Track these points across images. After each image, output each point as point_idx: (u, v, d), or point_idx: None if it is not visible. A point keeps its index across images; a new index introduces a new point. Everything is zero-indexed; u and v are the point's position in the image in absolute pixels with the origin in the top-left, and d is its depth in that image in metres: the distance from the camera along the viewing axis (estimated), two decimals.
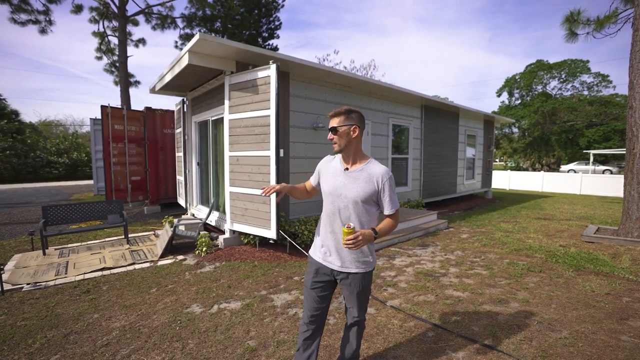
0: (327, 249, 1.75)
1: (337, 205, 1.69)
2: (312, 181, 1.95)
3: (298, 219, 5.16)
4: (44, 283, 3.57)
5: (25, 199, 10.97)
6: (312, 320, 1.78)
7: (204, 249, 4.62)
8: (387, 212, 1.71)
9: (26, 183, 17.58)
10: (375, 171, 1.68)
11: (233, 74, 4.75)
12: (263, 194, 1.74)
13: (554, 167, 28.52)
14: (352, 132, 1.69)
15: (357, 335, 1.88)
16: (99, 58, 14.42)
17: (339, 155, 1.80)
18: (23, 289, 3.41)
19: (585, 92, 28.51)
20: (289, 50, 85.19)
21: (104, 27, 13.67)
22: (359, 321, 1.83)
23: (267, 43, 17.76)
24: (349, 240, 1.49)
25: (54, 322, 2.75)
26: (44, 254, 4.57)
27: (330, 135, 1.73)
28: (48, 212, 4.80)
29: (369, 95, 7.03)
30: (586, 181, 13.62)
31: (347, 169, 1.72)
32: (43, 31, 12.77)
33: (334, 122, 1.71)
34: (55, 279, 3.68)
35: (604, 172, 22.79)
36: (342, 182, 1.70)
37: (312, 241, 4.85)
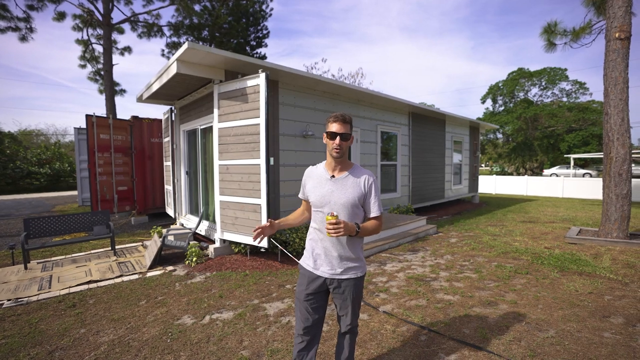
0: (317, 258, 1.74)
1: (327, 213, 1.67)
2: (301, 197, 1.90)
3: (289, 227, 5.15)
4: (26, 298, 3.44)
5: (4, 212, 10.56)
6: (305, 331, 1.75)
7: (194, 259, 4.55)
8: (373, 214, 1.72)
9: (5, 195, 16.94)
10: (360, 175, 1.71)
11: (222, 83, 4.77)
12: (254, 241, 1.75)
13: (537, 171, 29.36)
14: (351, 141, 1.73)
15: (350, 342, 1.86)
16: (83, 66, 14.18)
17: (322, 164, 1.80)
18: (3, 306, 3.28)
19: (565, 99, 29.67)
20: (276, 58, 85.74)
21: (88, 34, 13.48)
22: (352, 328, 1.82)
23: (255, 51, 17.84)
24: (330, 224, 1.50)
25: (37, 339, 2.65)
26: (26, 268, 4.41)
27: (337, 141, 1.64)
28: (30, 224, 4.65)
29: (358, 103, 7.14)
30: (568, 185, 14.08)
31: (333, 176, 1.72)
32: (23, 38, 12.50)
33: (344, 129, 1.65)
34: (38, 294, 3.55)
35: (584, 175, 23.62)
36: (330, 190, 1.69)
37: (304, 249, 4.85)
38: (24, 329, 2.82)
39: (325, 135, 1.71)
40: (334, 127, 1.66)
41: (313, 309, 1.74)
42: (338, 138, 1.64)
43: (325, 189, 1.71)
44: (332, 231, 1.51)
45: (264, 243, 4.34)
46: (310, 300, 1.74)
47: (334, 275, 1.71)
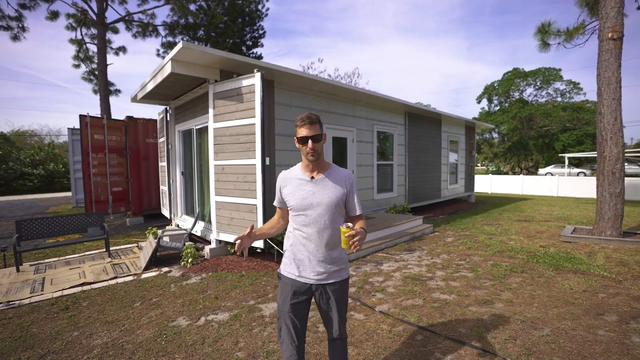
0: (300, 264, 1.66)
1: (310, 216, 1.62)
2: (276, 204, 1.78)
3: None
4: (18, 301, 3.40)
5: None
6: (293, 343, 1.65)
7: (190, 260, 4.52)
8: (357, 212, 1.69)
9: None
10: (341, 175, 1.68)
11: (217, 83, 4.74)
12: (237, 252, 1.64)
13: (532, 171, 29.59)
14: (324, 140, 1.66)
15: (342, 346, 1.79)
16: (77, 66, 14.05)
17: (297, 166, 1.72)
18: None
19: (559, 99, 29.96)
20: (272, 58, 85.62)
21: (82, 34, 13.38)
22: (341, 334, 1.75)
23: (251, 51, 17.78)
24: (355, 239, 1.41)
25: (29, 342, 2.61)
26: (18, 270, 4.35)
27: (310, 145, 1.57)
28: (22, 226, 4.60)
29: (354, 103, 7.14)
30: (562, 184, 14.20)
31: (312, 177, 1.66)
32: (15, 38, 12.36)
33: (314, 130, 1.58)
34: (30, 297, 3.50)
35: (578, 174, 23.82)
36: (311, 191, 1.63)
37: None
38: (15, 332, 2.77)
39: (296, 140, 1.64)
40: (303, 131, 1.58)
41: (299, 319, 1.66)
42: (310, 141, 1.57)
43: (306, 190, 1.64)
44: (358, 243, 1.42)
45: (260, 243, 4.32)
46: (296, 311, 1.64)
47: (320, 280, 1.64)
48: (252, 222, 4.38)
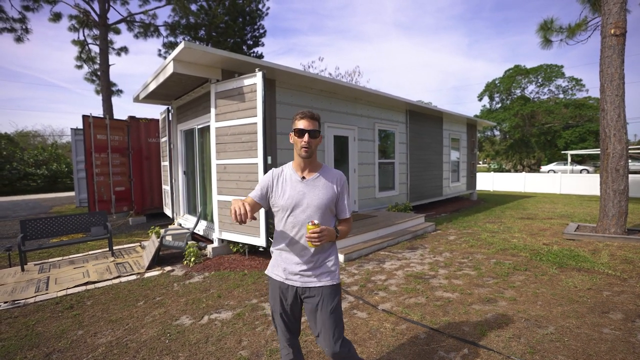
0: (287, 266, 1.62)
1: (300, 217, 1.57)
2: (253, 196, 1.63)
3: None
4: (23, 301, 3.42)
5: (1, 213, 10.50)
6: (290, 343, 1.69)
7: (192, 259, 4.53)
8: (345, 215, 1.66)
9: (2, 196, 16.84)
10: (332, 176, 1.64)
11: (219, 82, 4.74)
12: (237, 221, 1.39)
13: (534, 168, 29.47)
14: (320, 140, 1.64)
15: None
16: (79, 67, 14.09)
17: (288, 165, 1.68)
18: (0, 308, 3.26)
19: (561, 96, 29.81)
20: (272, 57, 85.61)
21: (84, 35, 13.38)
22: (337, 354, 1.54)
23: (252, 51, 17.77)
24: (313, 233, 1.41)
25: (34, 341, 2.63)
26: (23, 270, 4.38)
27: (306, 139, 1.53)
28: (27, 226, 4.62)
29: (355, 101, 7.13)
30: (565, 181, 14.13)
31: (303, 177, 1.62)
32: (19, 39, 12.41)
33: (313, 125, 1.56)
34: (35, 296, 3.53)
35: (581, 171, 23.71)
36: (301, 192, 1.58)
37: None
38: (21, 331, 2.79)
39: (292, 133, 1.60)
40: (301, 123, 1.55)
41: (291, 319, 1.66)
42: (307, 135, 1.54)
43: (296, 190, 1.59)
44: (316, 240, 1.42)
45: (263, 242, 4.33)
46: (287, 312, 1.64)
47: (306, 283, 1.59)
48: (254, 221, 4.38)
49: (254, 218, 1.51)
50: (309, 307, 1.60)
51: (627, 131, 5.60)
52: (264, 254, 4.85)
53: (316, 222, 1.46)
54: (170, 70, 4.49)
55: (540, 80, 30.42)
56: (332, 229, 1.53)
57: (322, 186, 1.61)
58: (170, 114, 6.87)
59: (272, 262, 1.72)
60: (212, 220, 5.39)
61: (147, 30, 13.89)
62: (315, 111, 1.64)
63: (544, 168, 26.85)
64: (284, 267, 1.63)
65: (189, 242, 4.81)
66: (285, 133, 5.56)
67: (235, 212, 1.39)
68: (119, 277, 4.11)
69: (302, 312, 1.72)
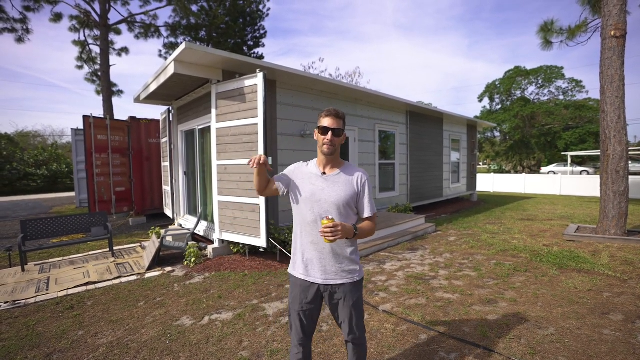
0: (309, 263, 1.63)
1: (317, 212, 1.58)
2: (277, 182, 1.70)
3: (287, 227, 5.14)
4: (24, 301, 3.42)
5: (1, 214, 10.50)
6: (302, 342, 1.67)
7: (193, 259, 4.53)
8: (366, 214, 1.64)
9: (2, 197, 16.84)
10: (353, 173, 1.64)
11: (220, 83, 4.75)
12: (251, 165, 1.55)
13: (534, 169, 29.46)
14: (343, 138, 1.66)
15: (356, 352, 1.70)
16: (80, 67, 14.10)
17: (313, 161, 1.73)
18: (0, 308, 3.26)
19: (561, 97, 29.80)
20: (272, 57, 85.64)
21: (84, 35, 13.40)
22: (355, 339, 1.67)
23: (252, 51, 17.80)
24: (327, 228, 1.40)
25: (35, 341, 2.63)
26: (23, 270, 4.38)
27: (329, 136, 1.57)
28: (27, 226, 4.62)
29: (355, 102, 7.14)
30: (565, 182, 14.13)
31: (324, 173, 1.64)
32: (20, 40, 12.43)
33: (337, 124, 1.59)
34: (35, 296, 3.53)
35: (581, 173, 23.70)
36: (320, 187, 1.61)
37: None
38: (22, 331, 2.79)
39: (316, 130, 1.63)
40: (326, 121, 1.59)
41: (308, 319, 1.66)
42: (330, 133, 1.57)
43: (316, 186, 1.62)
44: (330, 235, 1.41)
45: (263, 243, 4.33)
46: (305, 311, 1.64)
47: (327, 280, 1.61)
48: (255, 221, 4.39)
49: (270, 169, 1.64)
50: (331, 303, 1.65)
51: (627, 133, 5.61)
52: (265, 254, 4.85)
53: (331, 217, 1.46)
54: (171, 70, 4.50)
55: (540, 82, 30.43)
56: (349, 226, 1.50)
57: (341, 183, 1.62)
58: (171, 114, 6.87)
59: (293, 258, 1.73)
60: (212, 221, 5.39)
61: (147, 30, 13.91)
62: (340, 110, 1.64)
63: (544, 169, 26.83)
64: (305, 265, 1.64)
65: (190, 243, 4.81)
66: (286, 134, 5.57)
67: (254, 158, 1.54)
68: (119, 277, 4.11)
69: (320, 313, 1.74)
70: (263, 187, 1.71)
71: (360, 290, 1.67)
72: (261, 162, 1.56)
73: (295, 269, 1.69)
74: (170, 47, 14.85)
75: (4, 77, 62.01)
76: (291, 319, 1.70)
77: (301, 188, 1.65)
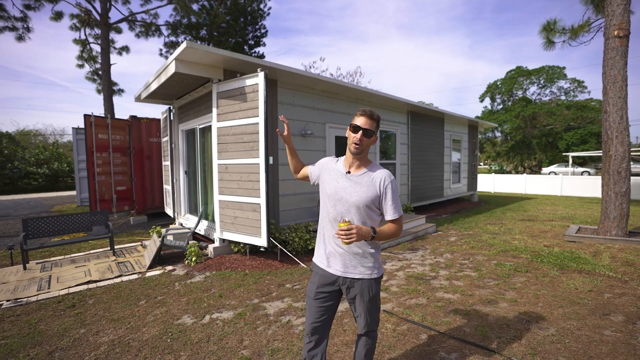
0: (330, 255, 1.68)
1: (339, 210, 1.62)
2: (309, 169, 1.85)
3: (288, 226, 5.15)
4: (26, 299, 3.43)
5: (2, 212, 10.52)
6: (314, 331, 1.70)
7: (194, 258, 4.54)
8: (389, 217, 1.62)
9: (3, 195, 16.88)
10: (376, 175, 1.63)
11: (221, 82, 4.75)
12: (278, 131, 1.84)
13: (535, 170, 29.43)
14: (374, 141, 1.66)
15: (365, 347, 1.76)
16: (81, 66, 14.11)
17: (342, 159, 1.75)
18: (2, 306, 3.27)
19: (563, 97, 29.74)
20: (273, 57, 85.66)
21: (85, 34, 13.41)
22: (368, 332, 1.73)
23: (253, 51, 17.79)
24: (342, 231, 1.42)
25: (37, 339, 2.64)
26: (25, 268, 4.39)
27: (359, 136, 1.59)
28: (29, 224, 4.63)
29: (356, 102, 7.13)
30: (566, 183, 14.10)
31: (349, 172, 1.66)
32: (20, 38, 12.43)
33: (369, 125, 1.59)
34: (37, 294, 3.54)
35: (582, 173, 23.66)
36: (343, 186, 1.63)
37: (303, 248, 4.85)
38: (24, 329, 2.80)
39: (348, 128, 1.64)
40: (359, 120, 1.60)
41: (323, 307, 1.69)
42: (360, 132, 1.59)
43: (339, 184, 1.65)
44: (345, 238, 1.43)
45: (264, 242, 4.34)
46: (320, 299, 1.68)
47: (346, 273, 1.64)
48: (255, 220, 4.39)
49: (288, 135, 1.86)
50: (349, 296, 1.69)
51: (630, 133, 5.59)
52: (265, 253, 4.86)
53: (347, 219, 1.48)
54: (172, 69, 4.50)
55: (542, 82, 30.36)
56: (366, 229, 1.49)
57: (364, 183, 1.62)
58: (171, 113, 6.88)
59: (317, 250, 1.79)
60: (213, 220, 5.40)
61: (148, 29, 13.91)
62: (375, 112, 1.65)
63: (545, 170, 26.78)
64: (327, 256, 1.70)
65: (190, 242, 4.81)
66: None
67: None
68: (120, 276, 4.12)
69: (337, 309, 1.79)
70: (295, 168, 1.92)
71: (379, 286, 1.71)
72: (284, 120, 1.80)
73: (318, 259, 1.76)
74: (171, 45, 14.86)
75: (5, 75, 62.09)
76: (307, 306, 1.75)
77: (327, 184, 1.71)
